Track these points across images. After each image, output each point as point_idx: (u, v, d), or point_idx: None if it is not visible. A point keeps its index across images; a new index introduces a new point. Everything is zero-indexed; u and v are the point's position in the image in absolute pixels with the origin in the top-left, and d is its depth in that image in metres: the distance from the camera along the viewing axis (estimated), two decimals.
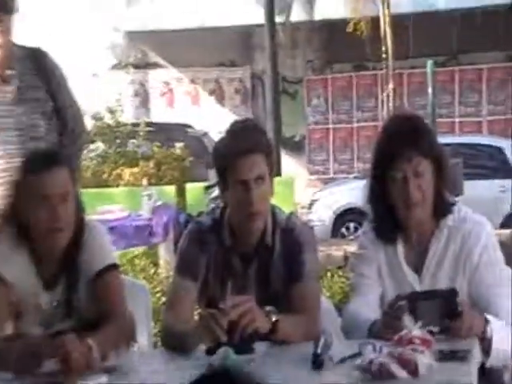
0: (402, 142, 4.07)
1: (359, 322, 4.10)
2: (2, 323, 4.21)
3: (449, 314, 3.79)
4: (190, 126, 20.97)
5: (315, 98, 24.84)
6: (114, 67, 25.01)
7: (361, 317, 4.12)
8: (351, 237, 15.28)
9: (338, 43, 22.83)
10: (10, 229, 4.25)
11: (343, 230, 17.15)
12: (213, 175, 4.79)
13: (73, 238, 4.18)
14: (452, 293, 3.84)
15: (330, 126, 24.69)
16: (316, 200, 17.89)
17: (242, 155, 4.14)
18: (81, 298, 4.24)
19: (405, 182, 4.05)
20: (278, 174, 15.73)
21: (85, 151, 8.10)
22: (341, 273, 9.47)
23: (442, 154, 4.17)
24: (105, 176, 16.39)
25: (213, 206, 3.95)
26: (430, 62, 18.09)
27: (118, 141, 18.09)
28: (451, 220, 4.16)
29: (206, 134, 20.13)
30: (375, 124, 21.59)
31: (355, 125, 24.30)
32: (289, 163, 21.64)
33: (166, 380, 3.79)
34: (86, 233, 4.24)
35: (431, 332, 3.68)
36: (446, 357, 3.59)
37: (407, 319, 3.71)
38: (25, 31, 5.85)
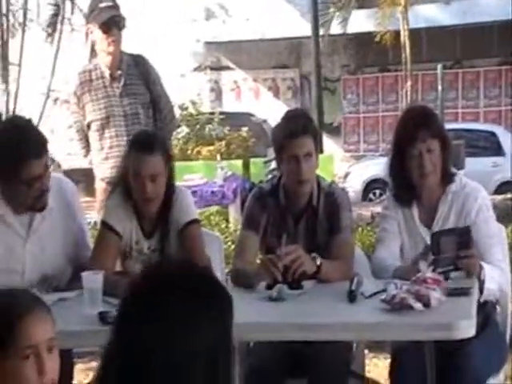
0: (417, 126, 4.07)
1: (384, 267, 4.08)
2: (114, 263, 4.23)
3: (464, 245, 3.82)
4: (252, 115, 20.98)
5: (349, 94, 24.82)
6: (196, 69, 25.09)
7: (386, 262, 4.10)
8: (377, 201, 15.28)
9: (367, 51, 22.85)
10: (119, 191, 4.28)
11: (371, 195, 17.20)
12: (271, 152, 4.77)
13: (165, 200, 4.19)
14: (467, 229, 3.91)
15: (361, 115, 24.64)
16: (350, 172, 17.97)
17: (294, 137, 4.11)
18: (171, 245, 4.23)
19: (420, 157, 4.05)
20: (321, 151, 15.68)
21: (174, 133, 8.09)
22: (369, 228, 9.41)
23: (447, 136, 4.20)
24: (188, 152, 16.56)
25: (271, 176, 3.93)
26: (439, 66, 18.18)
27: (198, 126, 18.23)
28: (454, 187, 4.15)
29: (265, 120, 20.14)
30: (396, 113, 21.38)
31: (380, 114, 24.22)
32: (329, 143, 21.64)
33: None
34: (175, 196, 4.24)
35: (442, 272, 3.69)
36: (452, 293, 3.58)
37: (422, 264, 3.70)
38: (129, 40, 5.85)
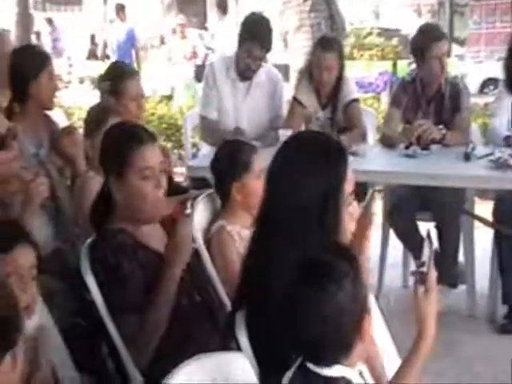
0: None
1: (496, 135, 3.90)
2: (300, 126, 4.09)
3: None
4: (400, 30, 20.10)
5: (474, 16, 23.40)
6: None
7: (497, 131, 3.92)
8: (490, 93, 14.55)
9: None
10: (306, 77, 4.17)
11: (486, 90, 16.37)
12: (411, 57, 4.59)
13: (336, 84, 4.11)
14: None
15: (483, 31, 23.25)
16: (468, 73, 17.07)
17: (437, 41, 3.92)
18: (339, 116, 4.19)
19: None
20: (448, 55, 14.98)
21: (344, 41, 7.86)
22: (481, 112, 8.98)
23: None
24: (354, 55, 16.04)
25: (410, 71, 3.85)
26: None
27: (362, 36, 17.60)
28: None
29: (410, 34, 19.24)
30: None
31: (498, 30, 22.77)
32: (456, 50, 20.59)
33: None
34: (343, 81, 4.15)
35: None
36: None
37: None
38: None
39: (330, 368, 1.53)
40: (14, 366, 1.31)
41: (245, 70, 4.03)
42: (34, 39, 10.98)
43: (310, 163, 1.83)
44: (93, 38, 13.26)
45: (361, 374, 1.68)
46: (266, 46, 3.94)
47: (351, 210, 1.86)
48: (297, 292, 1.51)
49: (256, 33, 3.90)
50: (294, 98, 4.19)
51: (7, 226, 1.99)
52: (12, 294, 1.37)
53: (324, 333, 1.50)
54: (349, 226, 1.87)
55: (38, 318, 1.96)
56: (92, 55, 12.62)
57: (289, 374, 1.59)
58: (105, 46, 11.14)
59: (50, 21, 13.59)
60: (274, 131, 3.94)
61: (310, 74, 4.14)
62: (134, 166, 2.19)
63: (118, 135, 2.30)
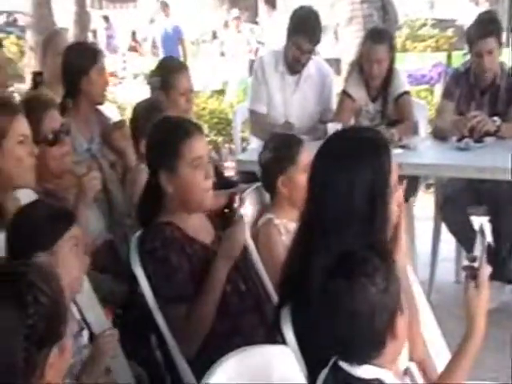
0: None
1: None
2: (349, 119, 4.09)
3: None
4: (455, 20, 19.70)
5: None
6: None
7: None
8: None
9: None
10: (356, 69, 4.15)
11: None
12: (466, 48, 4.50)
13: (386, 76, 4.07)
14: None
15: None
16: None
17: (484, 37, 3.84)
18: (389, 109, 4.15)
19: None
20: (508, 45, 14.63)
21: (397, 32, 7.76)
22: None
23: None
24: (407, 46, 15.84)
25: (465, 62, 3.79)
26: None
27: (415, 27, 17.35)
28: None
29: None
30: None
31: None
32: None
33: None
34: (394, 74, 4.12)
35: None
36: None
37: None
38: None
39: (361, 367, 1.52)
40: (62, 358, 1.34)
41: (294, 63, 4.03)
42: (90, 37, 11.20)
43: (355, 159, 1.81)
44: (134, 34, 13.42)
45: (407, 371, 1.66)
46: (315, 39, 3.93)
47: (397, 196, 1.83)
48: (330, 284, 1.52)
49: (304, 26, 3.89)
50: (344, 92, 4.17)
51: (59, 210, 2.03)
52: (60, 287, 1.39)
53: (354, 327, 1.49)
54: (395, 212, 1.84)
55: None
56: (133, 51, 12.77)
57: (325, 371, 1.58)
58: (147, 41, 11.28)
59: (106, 18, 13.81)
60: (323, 125, 3.92)
61: (360, 66, 4.10)
62: (185, 156, 2.23)
63: (166, 129, 2.34)
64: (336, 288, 1.50)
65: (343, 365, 1.54)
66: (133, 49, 12.95)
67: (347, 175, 1.78)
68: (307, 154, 2.56)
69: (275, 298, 2.33)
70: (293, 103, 4.12)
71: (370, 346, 1.52)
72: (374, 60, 3.98)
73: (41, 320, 1.31)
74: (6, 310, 1.31)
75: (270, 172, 2.69)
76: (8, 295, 1.32)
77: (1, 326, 1.30)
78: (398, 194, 1.84)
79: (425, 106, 4.81)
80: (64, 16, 9.39)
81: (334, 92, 4.32)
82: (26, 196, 2.29)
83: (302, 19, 3.93)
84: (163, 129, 2.35)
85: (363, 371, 1.51)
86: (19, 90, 5.02)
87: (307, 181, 1.88)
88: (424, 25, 17.57)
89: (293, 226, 2.33)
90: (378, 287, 1.49)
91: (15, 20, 10.34)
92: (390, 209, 1.80)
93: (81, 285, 1.99)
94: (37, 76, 3.50)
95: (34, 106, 2.46)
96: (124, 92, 7.57)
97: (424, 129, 4.41)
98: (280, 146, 2.69)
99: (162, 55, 9.41)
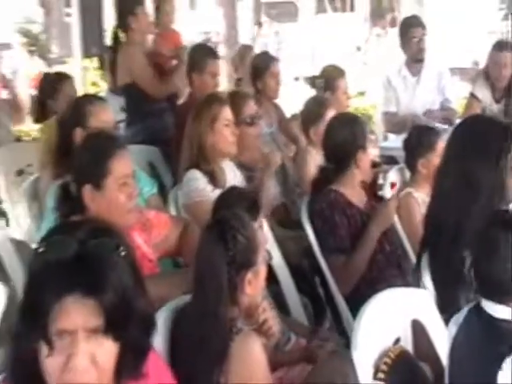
0: None
1: None
2: None
3: None
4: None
5: None
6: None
7: None
8: None
9: None
10: None
11: None
12: None
13: None
14: None
15: None
16: None
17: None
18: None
19: None
20: None
21: None
22: None
23: None
24: None
25: None
26: None
27: None
28: None
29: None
30: None
31: None
32: None
33: None
34: None
35: None
36: None
37: None
38: None
39: (506, 308, 1.59)
40: (257, 278, 1.80)
41: (417, 51, 4.38)
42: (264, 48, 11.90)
43: (481, 146, 2.12)
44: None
45: None
46: (424, 25, 4.43)
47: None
48: (491, 232, 1.66)
49: (413, 19, 4.56)
50: (471, 94, 4.51)
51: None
52: (253, 231, 1.82)
53: (505, 270, 1.59)
54: None
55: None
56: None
57: (463, 312, 1.70)
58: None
59: (276, 33, 14.45)
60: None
61: (486, 73, 4.41)
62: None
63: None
64: (495, 236, 1.64)
65: (488, 306, 1.62)
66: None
67: (474, 163, 2.14)
68: (442, 142, 2.88)
69: (412, 255, 2.69)
70: (416, 99, 4.48)
71: None
72: (500, 64, 4.28)
73: (238, 252, 1.76)
74: (214, 244, 1.79)
75: (412, 155, 3.09)
76: (216, 235, 1.80)
77: (211, 257, 1.78)
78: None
79: None
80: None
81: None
82: (228, 167, 2.82)
83: (408, 18, 4.65)
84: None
85: (504, 313, 1.60)
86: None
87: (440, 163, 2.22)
88: None
89: (427, 199, 2.65)
90: None
91: (209, 39, 11.49)
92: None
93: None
94: (238, 80, 4.83)
95: (236, 98, 3.01)
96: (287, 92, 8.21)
97: None
98: (420, 135, 3.07)
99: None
